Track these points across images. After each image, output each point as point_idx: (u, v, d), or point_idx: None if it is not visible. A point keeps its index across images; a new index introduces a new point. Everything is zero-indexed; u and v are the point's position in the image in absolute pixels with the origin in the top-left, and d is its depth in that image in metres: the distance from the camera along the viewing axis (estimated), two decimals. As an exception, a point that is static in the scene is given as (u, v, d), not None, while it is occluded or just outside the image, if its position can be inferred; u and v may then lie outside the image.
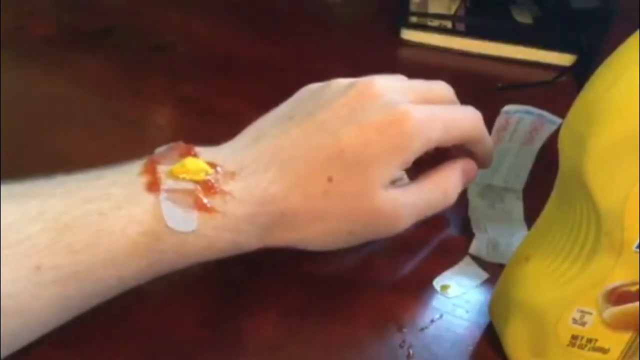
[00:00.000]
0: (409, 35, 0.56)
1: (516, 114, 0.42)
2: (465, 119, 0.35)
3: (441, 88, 0.37)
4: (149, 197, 0.29)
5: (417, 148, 0.33)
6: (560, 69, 0.54)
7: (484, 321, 0.35)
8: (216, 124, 0.46)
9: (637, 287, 0.28)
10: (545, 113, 0.42)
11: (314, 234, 0.33)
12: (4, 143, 0.42)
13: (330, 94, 0.34)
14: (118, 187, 0.30)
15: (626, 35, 0.26)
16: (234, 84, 0.50)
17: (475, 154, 0.38)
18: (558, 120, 0.41)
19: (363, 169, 0.32)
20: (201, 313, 0.34)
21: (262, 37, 0.56)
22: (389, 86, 0.34)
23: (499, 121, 0.43)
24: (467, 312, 0.36)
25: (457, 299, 0.36)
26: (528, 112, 0.42)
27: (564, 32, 0.56)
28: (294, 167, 0.32)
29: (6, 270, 0.27)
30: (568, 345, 0.31)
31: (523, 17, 0.58)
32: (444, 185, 0.35)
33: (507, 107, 0.43)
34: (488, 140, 0.38)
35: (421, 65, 0.55)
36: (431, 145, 0.33)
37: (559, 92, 0.52)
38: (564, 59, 0.54)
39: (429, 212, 0.35)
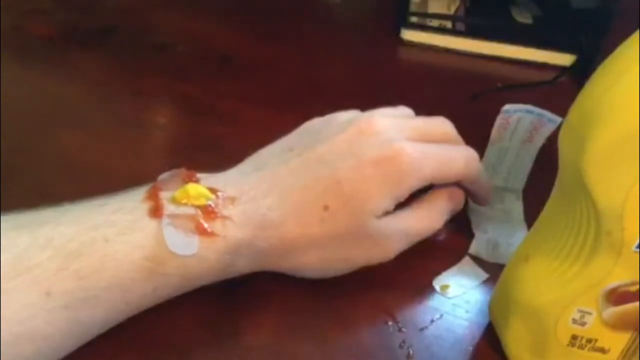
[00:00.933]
0: (409, 35, 0.56)
1: (516, 113, 0.42)
2: (459, 159, 0.37)
3: (441, 125, 0.38)
4: (152, 223, 0.30)
5: (410, 184, 0.34)
6: (560, 69, 0.54)
7: (484, 321, 0.35)
8: (216, 124, 0.46)
9: (637, 287, 0.28)
10: (545, 112, 0.42)
11: (311, 260, 0.34)
12: (4, 143, 0.42)
13: (331, 129, 0.35)
14: (122, 213, 0.31)
15: (626, 35, 0.26)
16: (234, 84, 0.50)
17: (470, 191, 0.39)
18: (558, 119, 0.41)
19: (358, 201, 0.33)
20: (201, 313, 0.34)
21: (262, 37, 0.56)
22: (389, 124, 0.35)
23: (499, 120, 0.43)
24: (467, 312, 0.36)
25: (457, 299, 0.36)
26: (528, 111, 0.42)
27: (564, 32, 0.56)
28: (292, 195, 0.33)
29: (18, 297, 0.27)
30: (568, 345, 0.31)
31: (523, 17, 0.58)
32: (429, 212, 0.37)
33: (507, 107, 0.43)
34: (483, 180, 0.39)
35: (421, 65, 0.55)
36: (425, 182, 0.35)
37: (559, 92, 0.52)
38: (564, 59, 0.54)
39: (418, 237, 0.36)
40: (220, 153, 0.44)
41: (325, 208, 0.33)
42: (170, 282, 0.31)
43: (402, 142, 0.34)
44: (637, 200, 0.25)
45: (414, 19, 0.57)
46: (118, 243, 0.29)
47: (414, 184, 0.34)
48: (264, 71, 0.52)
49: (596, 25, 0.52)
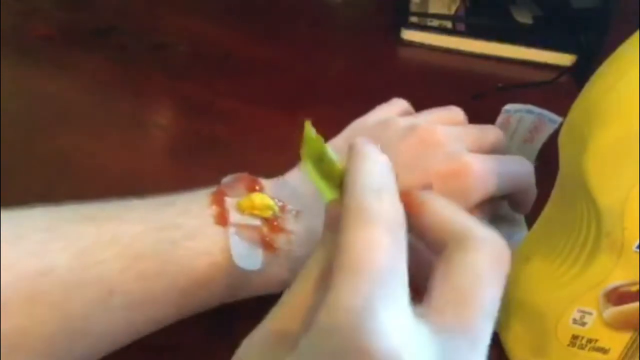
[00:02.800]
0: (409, 35, 0.56)
1: (517, 113, 0.42)
2: (520, 173, 0.36)
3: (494, 133, 0.38)
4: (217, 230, 0.30)
5: (476, 199, 0.33)
6: (560, 69, 0.54)
7: (484, 321, 0.35)
8: (216, 124, 0.46)
9: (637, 287, 0.28)
10: (545, 112, 0.42)
11: None
12: (4, 143, 0.42)
13: (390, 136, 0.34)
14: (188, 216, 0.30)
15: (626, 35, 0.26)
16: (234, 83, 0.50)
17: (516, 201, 0.38)
18: (558, 119, 0.42)
19: None
20: (201, 314, 0.34)
21: (262, 37, 0.56)
22: (449, 133, 0.34)
23: (500, 120, 0.43)
24: (467, 312, 0.36)
25: (457, 299, 0.36)
26: (529, 111, 0.42)
27: (564, 32, 0.56)
28: None
29: (82, 292, 0.27)
30: (568, 345, 0.31)
31: (523, 17, 0.58)
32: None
33: (508, 106, 0.43)
34: (533, 191, 0.38)
35: (421, 65, 0.55)
36: (488, 196, 0.34)
37: (559, 92, 0.52)
38: (564, 59, 0.54)
39: None
40: (220, 153, 0.44)
41: None
42: (228, 291, 0.31)
43: (467, 155, 0.33)
44: (637, 200, 0.25)
45: (414, 19, 0.57)
46: (183, 248, 0.29)
47: (479, 198, 0.34)
48: (264, 71, 0.52)
49: (596, 25, 0.52)
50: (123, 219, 0.29)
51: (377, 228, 0.21)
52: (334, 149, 0.34)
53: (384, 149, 0.33)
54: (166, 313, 0.30)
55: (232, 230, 0.30)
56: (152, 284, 0.28)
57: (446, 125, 0.35)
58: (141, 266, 0.28)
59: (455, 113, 0.38)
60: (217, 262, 0.29)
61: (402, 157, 0.33)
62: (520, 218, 0.41)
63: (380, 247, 0.20)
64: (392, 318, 0.19)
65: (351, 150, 0.25)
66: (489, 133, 0.37)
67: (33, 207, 0.30)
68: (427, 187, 0.32)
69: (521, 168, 0.36)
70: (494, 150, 0.37)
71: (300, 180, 0.34)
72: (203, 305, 0.31)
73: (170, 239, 0.29)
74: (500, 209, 0.41)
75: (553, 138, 0.42)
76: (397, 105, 0.38)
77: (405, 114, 0.38)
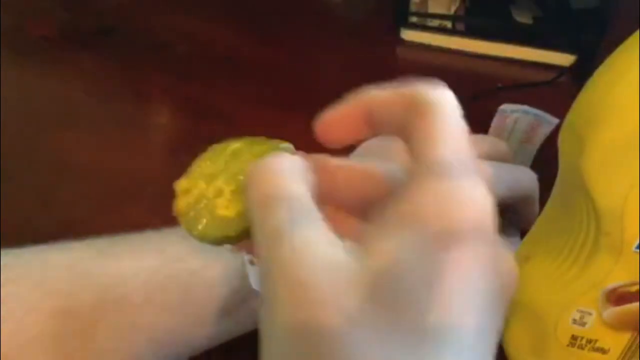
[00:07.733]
0: (409, 35, 0.56)
1: (513, 114, 0.42)
2: (526, 180, 0.36)
3: (498, 143, 0.38)
4: (234, 257, 0.30)
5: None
6: (560, 69, 0.54)
7: (483, 321, 0.35)
8: (216, 124, 0.46)
9: (637, 287, 0.28)
10: (542, 113, 0.42)
11: None
12: (4, 143, 0.42)
13: (392, 148, 0.34)
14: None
15: (626, 35, 0.26)
16: (234, 84, 0.50)
17: (521, 214, 0.37)
18: (555, 120, 0.41)
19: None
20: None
21: (262, 37, 0.56)
22: None
23: (496, 121, 0.43)
24: (467, 312, 0.36)
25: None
26: (525, 112, 0.42)
27: (564, 32, 0.56)
28: None
29: (105, 328, 0.27)
30: (568, 345, 0.31)
31: (523, 17, 0.58)
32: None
33: (504, 106, 0.42)
34: (536, 200, 0.38)
35: (421, 65, 0.55)
36: (495, 199, 0.34)
37: (559, 92, 0.52)
38: (564, 59, 0.54)
39: None
40: (220, 153, 0.44)
41: None
42: (252, 317, 0.30)
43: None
44: (637, 200, 0.25)
45: (414, 19, 0.57)
46: (202, 277, 0.29)
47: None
48: (264, 71, 0.52)
49: (596, 25, 0.52)
50: (142, 251, 0.29)
51: None
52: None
53: (391, 160, 0.33)
54: (194, 345, 0.30)
55: (246, 257, 0.30)
56: (176, 316, 0.28)
57: None
58: (162, 298, 0.28)
59: None
60: (237, 289, 0.29)
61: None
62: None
63: None
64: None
65: None
66: (493, 142, 0.38)
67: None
68: None
69: (525, 175, 0.37)
70: (497, 158, 0.36)
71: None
72: (234, 333, 0.31)
73: (189, 269, 0.29)
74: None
75: (552, 139, 0.42)
76: None
77: None
